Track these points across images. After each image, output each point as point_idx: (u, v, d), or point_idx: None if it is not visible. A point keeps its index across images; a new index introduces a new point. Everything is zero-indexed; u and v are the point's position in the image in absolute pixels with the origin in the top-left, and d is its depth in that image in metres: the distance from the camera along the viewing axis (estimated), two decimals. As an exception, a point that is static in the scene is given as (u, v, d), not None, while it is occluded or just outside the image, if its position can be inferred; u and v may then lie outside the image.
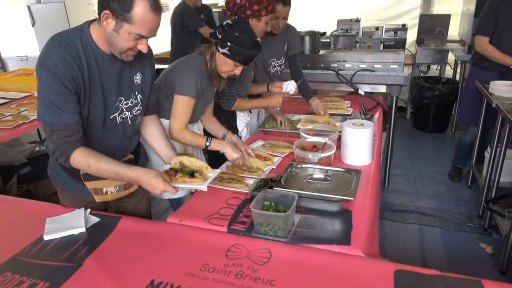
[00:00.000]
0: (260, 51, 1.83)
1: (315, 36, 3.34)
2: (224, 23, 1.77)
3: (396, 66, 3.00)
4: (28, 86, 3.41)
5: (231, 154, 1.84)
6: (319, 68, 3.21)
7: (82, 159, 1.33)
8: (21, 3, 5.85)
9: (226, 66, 1.79)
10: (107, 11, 1.26)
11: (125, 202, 1.70)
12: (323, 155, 1.79)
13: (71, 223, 1.43)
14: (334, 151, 1.83)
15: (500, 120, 2.64)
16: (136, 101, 1.54)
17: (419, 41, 4.63)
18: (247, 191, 1.65)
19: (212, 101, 2.06)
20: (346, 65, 3.14)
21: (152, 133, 1.71)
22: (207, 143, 1.84)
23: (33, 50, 5.78)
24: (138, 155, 1.77)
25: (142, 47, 1.34)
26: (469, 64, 3.37)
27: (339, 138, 1.94)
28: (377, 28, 4.49)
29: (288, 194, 1.44)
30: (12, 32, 6.31)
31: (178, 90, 1.79)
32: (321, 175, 1.71)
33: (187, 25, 4.09)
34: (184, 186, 1.50)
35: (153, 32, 1.33)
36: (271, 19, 2.15)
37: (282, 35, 2.46)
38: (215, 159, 2.04)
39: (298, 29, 3.34)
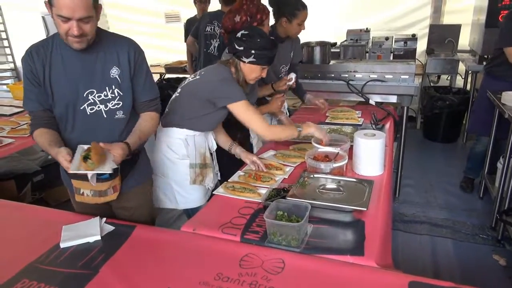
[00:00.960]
0: (278, 47, 1.90)
1: (325, 46, 3.35)
2: (239, 34, 1.81)
3: (407, 77, 3.00)
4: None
5: (318, 134, 1.96)
6: (330, 79, 3.23)
7: (36, 134, 1.56)
8: (35, 13, 5.98)
9: (254, 72, 1.87)
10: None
11: (127, 209, 1.76)
12: (335, 165, 1.79)
13: (86, 231, 1.45)
14: (346, 161, 1.83)
15: (512, 131, 2.61)
16: (112, 95, 1.57)
17: (429, 51, 4.63)
18: (260, 201, 1.65)
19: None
20: (356, 75, 3.15)
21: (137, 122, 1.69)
22: (299, 129, 1.94)
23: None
24: (135, 160, 1.75)
25: (73, 30, 1.37)
26: (482, 74, 3.35)
27: (351, 148, 1.95)
28: (387, 38, 4.49)
29: (301, 204, 1.44)
30: (27, 42, 6.42)
31: (230, 100, 1.81)
32: (333, 185, 1.71)
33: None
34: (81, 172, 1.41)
35: (72, 12, 1.33)
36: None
37: (289, 43, 2.61)
38: (226, 168, 2.07)
39: (308, 39, 3.39)
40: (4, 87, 5.43)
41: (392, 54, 4.46)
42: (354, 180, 1.74)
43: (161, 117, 1.99)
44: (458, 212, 3.10)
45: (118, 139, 1.58)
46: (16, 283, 1.21)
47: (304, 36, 3.14)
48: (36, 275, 1.25)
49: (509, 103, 2.65)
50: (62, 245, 1.39)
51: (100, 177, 1.56)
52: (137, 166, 1.76)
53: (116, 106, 1.59)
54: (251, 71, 1.86)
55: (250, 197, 1.70)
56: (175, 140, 1.92)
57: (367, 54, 4.47)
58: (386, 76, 3.05)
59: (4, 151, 2.52)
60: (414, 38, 4.49)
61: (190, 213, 2.03)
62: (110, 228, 1.50)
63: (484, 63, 3.35)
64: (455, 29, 4.57)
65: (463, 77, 4.75)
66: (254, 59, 1.80)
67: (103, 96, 1.55)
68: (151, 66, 6.33)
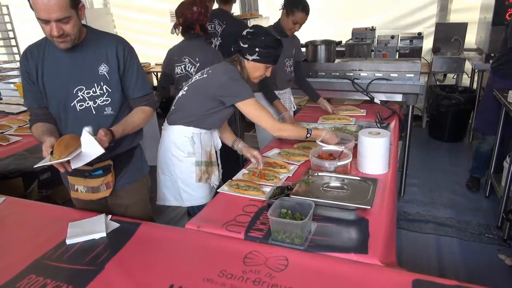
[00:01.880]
0: (283, 46, 1.90)
1: (330, 45, 3.35)
2: (245, 32, 1.82)
3: (412, 75, 2.99)
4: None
5: (327, 140, 1.97)
6: (335, 77, 3.22)
7: (33, 129, 1.62)
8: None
9: (258, 70, 1.88)
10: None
11: (121, 206, 1.79)
12: (339, 163, 1.80)
13: (92, 228, 1.47)
14: (350, 159, 1.83)
15: (519, 129, 2.60)
16: (101, 91, 1.59)
17: (435, 50, 4.60)
18: (264, 199, 1.66)
19: None
20: (361, 74, 3.15)
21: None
22: (308, 135, 1.97)
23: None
24: (130, 157, 1.78)
25: (53, 31, 1.39)
26: (488, 72, 3.33)
27: (355, 146, 1.95)
28: (392, 37, 4.47)
29: (304, 202, 1.45)
30: (34, 41, 6.47)
31: (238, 98, 1.82)
32: (337, 184, 1.71)
33: None
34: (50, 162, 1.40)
35: (48, 14, 1.35)
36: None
37: (290, 39, 2.74)
38: (228, 168, 2.09)
39: (313, 38, 3.39)
40: (12, 85, 5.48)
41: (397, 52, 4.43)
42: (358, 178, 1.74)
43: (167, 115, 2.00)
44: (464, 211, 3.08)
45: None
46: (23, 279, 1.23)
47: (309, 35, 3.13)
48: (42, 271, 1.27)
49: (516, 102, 2.63)
50: (68, 242, 1.41)
51: (92, 173, 1.62)
52: (132, 164, 1.78)
53: (104, 102, 1.61)
54: (255, 69, 1.86)
55: (254, 195, 1.70)
56: (181, 138, 1.93)
57: (373, 53, 4.45)
58: (392, 75, 3.05)
59: (12, 149, 2.56)
60: (420, 36, 4.46)
61: (191, 212, 2.04)
62: (116, 225, 1.51)
63: (491, 61, 3.32)
64: (462, 28, 4.53)
65: (469, 75, 4.72)
66: (258, 57, 1.81)
67: (91, 93, 1.58)
68: (156, 64, 6.34)
